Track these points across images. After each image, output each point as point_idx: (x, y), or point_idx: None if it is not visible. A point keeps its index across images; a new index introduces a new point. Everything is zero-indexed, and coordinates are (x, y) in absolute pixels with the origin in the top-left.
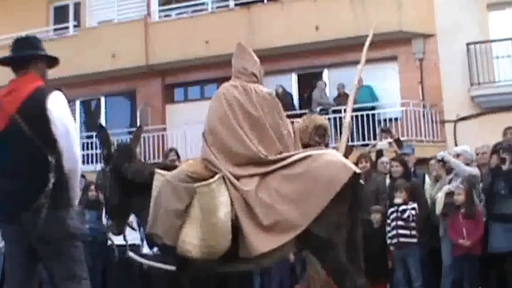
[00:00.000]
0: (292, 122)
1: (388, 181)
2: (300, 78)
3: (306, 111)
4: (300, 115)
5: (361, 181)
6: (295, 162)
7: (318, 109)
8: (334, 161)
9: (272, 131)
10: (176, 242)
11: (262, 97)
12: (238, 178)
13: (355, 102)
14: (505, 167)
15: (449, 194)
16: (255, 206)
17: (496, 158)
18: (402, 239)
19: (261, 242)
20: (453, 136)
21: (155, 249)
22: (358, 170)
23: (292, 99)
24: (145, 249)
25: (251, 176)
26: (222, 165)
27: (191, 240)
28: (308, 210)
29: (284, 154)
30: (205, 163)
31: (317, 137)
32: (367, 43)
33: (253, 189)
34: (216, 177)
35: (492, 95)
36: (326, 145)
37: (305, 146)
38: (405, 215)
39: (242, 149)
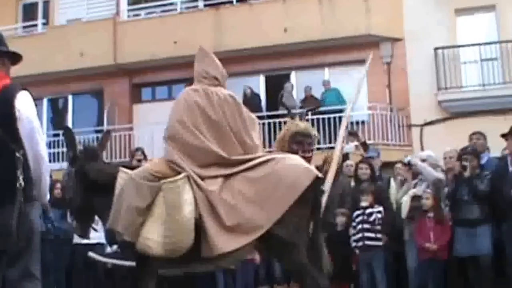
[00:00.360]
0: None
1: (353, 184)
2: (267, 80)
3: (274, 112)
4: (267, 117)
5: (322, 187)
6: (259, 164)
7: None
8: (297, 164)
9: (233, 134)
10: (137, 238)
11: (224, 100)
12: (202, 178)
13: (322, 105)
14: (466, 173)
15: (415, 198)
16: (218, 206)
17: (458, 165)
18: (368, 242)
19: (223, 242)
20: (419, 140)
21: (115, 246)
22: (320, 175)
23: (260, 100)
24: (109, 249)
25: (215, 177)
26: (186, 166)
27: (153, 237)
28: (271, 212)
29: (248, 156)
30: (170, 163)
31: (294, 145)
32: (363, 76)
33: (217, 189)
34: (182, 175)
35: (459, 100)
36: (309, 151)
37: None
38: (372, 218)
39: (204, 151)
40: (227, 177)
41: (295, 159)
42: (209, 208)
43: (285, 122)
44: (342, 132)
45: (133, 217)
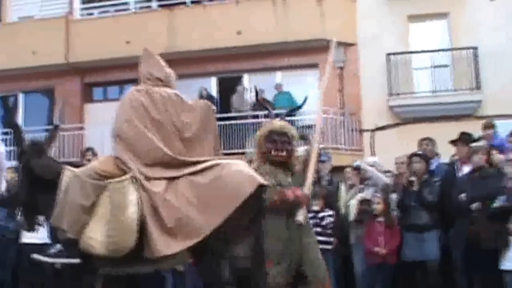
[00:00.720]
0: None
1: None
2: (220, 82)
3: (226, 115)
4: (220, 119)
5: (264, 195)
6: (205, 169)
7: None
8: (241, 171)
9: (178, 132)
10: (80, 236)
11: (168, 98)
12: (148, 179)
13: (274, 108)
14: (413, 188)
15: (364, 202)
16: (160, 208)
17: (406, 179)
18: (320, 246)
19: (164, 245)
20: (370, 145)
21: (58, 245)
22: (265, 182)
23: (215, 102)
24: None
25: (160, 178)
26: (134, 165)
27: (95, 237)
28: (213, 217)
29: (193, 159)
30: (117, 162)
31: (269, 144)
32: (327, 73)
33: (162, 191)
34: (128, 175)
35: (410, 106)
36: (283, 150)
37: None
38: (324, 222)
39: (153, 151)
40: (172, 179)
41: (241, 165)
42: (152, 209)
43: (238, 125)
44: (317, 131)
45: (78, 215)
